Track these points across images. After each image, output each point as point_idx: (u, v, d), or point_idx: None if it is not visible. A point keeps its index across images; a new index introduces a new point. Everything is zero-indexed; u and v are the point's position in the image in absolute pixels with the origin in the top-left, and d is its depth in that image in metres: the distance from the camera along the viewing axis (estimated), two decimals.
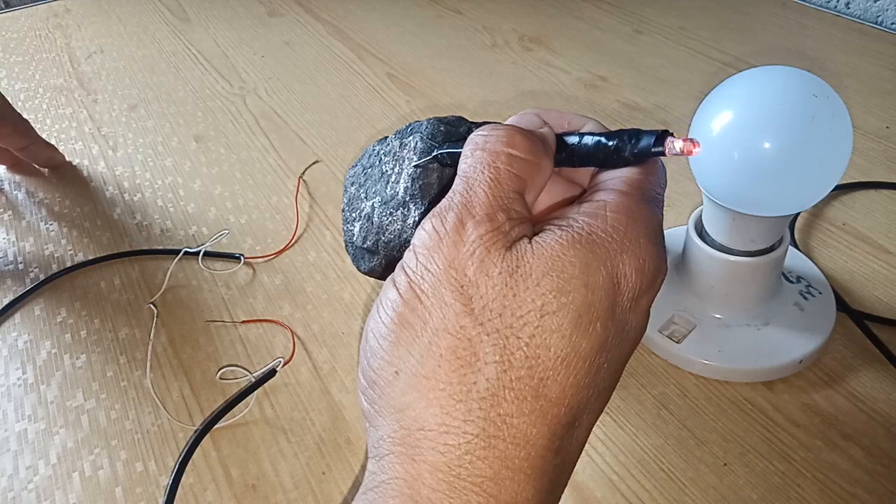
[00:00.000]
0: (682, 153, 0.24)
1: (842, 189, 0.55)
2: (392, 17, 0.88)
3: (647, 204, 0.25)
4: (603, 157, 0.26)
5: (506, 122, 0.28)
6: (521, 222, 0.24)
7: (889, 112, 0.65)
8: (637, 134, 0.25)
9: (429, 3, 0.91)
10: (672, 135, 0.24)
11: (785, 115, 0.34)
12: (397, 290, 0.24)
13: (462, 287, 0.23)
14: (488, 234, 0.23)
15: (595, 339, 0.22)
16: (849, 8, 0.85)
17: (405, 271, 0.24)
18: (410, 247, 0.25)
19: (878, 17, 0.83)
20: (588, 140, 0.26)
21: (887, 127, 0.63)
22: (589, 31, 0.82)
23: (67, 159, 0.64)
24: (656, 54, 0.77)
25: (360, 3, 0.92)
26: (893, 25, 0.82)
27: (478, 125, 0.31)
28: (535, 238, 0.24)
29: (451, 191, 0.25)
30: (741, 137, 0.35)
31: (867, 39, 0.77)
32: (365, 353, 0.25)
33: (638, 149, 0.25)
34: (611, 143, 0.26)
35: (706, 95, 0.38)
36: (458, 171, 0.25)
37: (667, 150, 0.24)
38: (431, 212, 0.25)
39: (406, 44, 0.82)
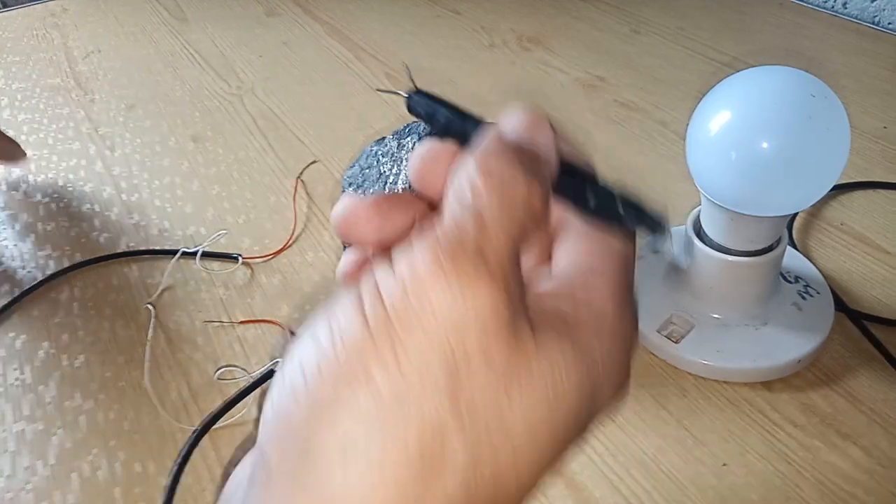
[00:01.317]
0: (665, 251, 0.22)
1: (839, 189, 0.55)
2: (390, 17, 0.88)
3: (632, 312, 0.21)
4: (595, 209, 0.22)
5: (507, 145, 0.21)
6: (520, 288, 0.19)
7: (887, 112, 0.65)
8: (643, 215, 0.21)
9: (427, 3, 0.91)
10: (669, 234, 0.21)
11: (783, 115, 0.34)
12: (364, 319, 0.17)
13: (455, 361, 0.17)
14: (503, 300, 0.17)
15: (558, 465, 0.20)
16: (846, 8, 0.85)
17: (382, 299, 0.17)
18: (390, 263, 0.18)
19: (875, 16, 0.83)
20: (590, 197, 0.21)
21: (885, 127, 0.63)
22: (587, 32, 0.82)
23: (65, 159, 0.63)
24: (654, 54, 0.77)
25: (359, 3, 0.92)
26: (890, 25, 0.82)
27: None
28: (539, 336, 0.18)
29: (450, 212, 0.19)
30: (739, 137, 0.35)
31: (864, 39, 0.78)
32: (283, 386, 0.18)
33: (637, 225, 0.21)
34: (620, 210, 0.21)
35: (704, 95, 0.38)
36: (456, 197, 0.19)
37: (659, 246, 0.22)
38: (425, 234, 0.18)
39: (404, 44, 0.82)
